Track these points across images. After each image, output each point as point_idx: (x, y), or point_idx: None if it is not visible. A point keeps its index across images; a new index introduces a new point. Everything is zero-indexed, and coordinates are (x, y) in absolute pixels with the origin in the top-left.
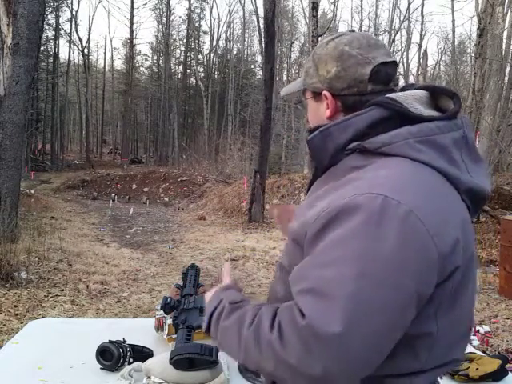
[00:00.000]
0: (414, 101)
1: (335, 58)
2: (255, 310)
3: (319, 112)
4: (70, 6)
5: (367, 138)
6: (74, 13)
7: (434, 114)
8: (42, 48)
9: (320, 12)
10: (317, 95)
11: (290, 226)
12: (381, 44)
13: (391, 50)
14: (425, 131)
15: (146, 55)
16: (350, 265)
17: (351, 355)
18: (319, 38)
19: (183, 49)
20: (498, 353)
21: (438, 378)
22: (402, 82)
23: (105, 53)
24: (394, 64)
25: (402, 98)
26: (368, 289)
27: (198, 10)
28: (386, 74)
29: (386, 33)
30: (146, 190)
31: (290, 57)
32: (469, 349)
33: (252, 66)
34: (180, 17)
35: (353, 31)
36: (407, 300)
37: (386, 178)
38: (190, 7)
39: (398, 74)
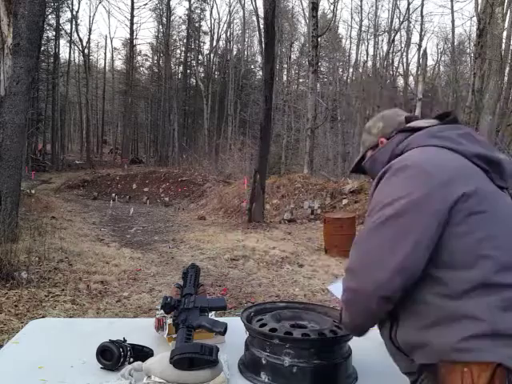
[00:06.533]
0: (421, 123)
1: (379, 118)
2: None
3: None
4: (70, 6)
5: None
6: (74, 13)
7: (435, 123)
8: (42, 48)
9: (320, 12)
10: (375, 147)
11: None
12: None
13: (390, 51)
14: (430, 131)
15: (146, 55)
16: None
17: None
18: (319, 38)
19: (183, 49)
20: None
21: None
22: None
23: (105, 53)
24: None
25: (413, 123)
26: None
27: (198, 11)
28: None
29: (386, 33)
30: (146, 189)
31: (290, 57)
32: None
33: (252, 66)
34: (180, 17)
35: None
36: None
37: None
38: (190, 7)
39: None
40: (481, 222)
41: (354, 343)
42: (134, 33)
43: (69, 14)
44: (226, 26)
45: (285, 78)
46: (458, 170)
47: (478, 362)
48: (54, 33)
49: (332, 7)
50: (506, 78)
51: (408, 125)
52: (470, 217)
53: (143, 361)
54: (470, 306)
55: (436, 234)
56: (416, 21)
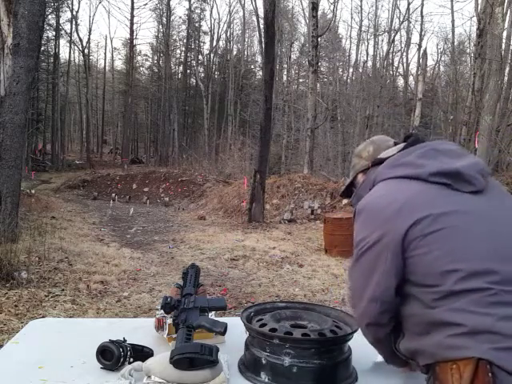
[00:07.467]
0: (389, 152)
1: (369, 143)
2: None
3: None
4: (70, 6)
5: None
6: (74, 13)
7: (401, 147)
8: (42, 48)
9: (320, 12)
10: (366, 170)
11: None
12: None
13: (390, 51)
14: (389, 162)
15: (146, 55)
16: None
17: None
18: (319, 38)
19: (183, 49)
20: None
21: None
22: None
23: (105, 53)
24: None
25: (383, 153)
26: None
27: (198, 11)
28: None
29: (386, 33)
30: (146, 189)
31: (290, 57)
32: None
33: (252, 66)
34: (180, 17)
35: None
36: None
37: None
38: (190, 7)
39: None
40: (438, 239)
41: (354, 343)
42: (134, 33)
43: (69, 14)
44: (225, 26)
45: (285, 78)
46: (408, 200)
47: (463, 358)
48: (54, 33)
49: (332, 7)
50: (505, 78)
51: (378, 156)
52: (426, 238)
53: (143, 361)
54: (445, 313)
55: (397, 263)
56: (416, 21)
